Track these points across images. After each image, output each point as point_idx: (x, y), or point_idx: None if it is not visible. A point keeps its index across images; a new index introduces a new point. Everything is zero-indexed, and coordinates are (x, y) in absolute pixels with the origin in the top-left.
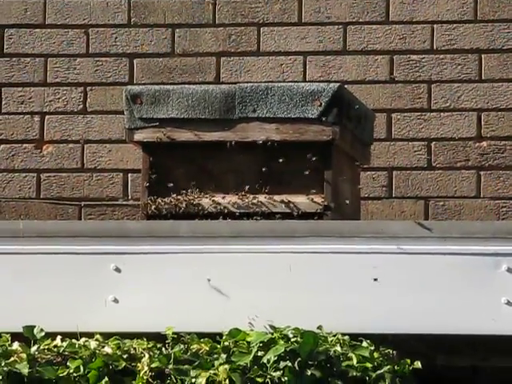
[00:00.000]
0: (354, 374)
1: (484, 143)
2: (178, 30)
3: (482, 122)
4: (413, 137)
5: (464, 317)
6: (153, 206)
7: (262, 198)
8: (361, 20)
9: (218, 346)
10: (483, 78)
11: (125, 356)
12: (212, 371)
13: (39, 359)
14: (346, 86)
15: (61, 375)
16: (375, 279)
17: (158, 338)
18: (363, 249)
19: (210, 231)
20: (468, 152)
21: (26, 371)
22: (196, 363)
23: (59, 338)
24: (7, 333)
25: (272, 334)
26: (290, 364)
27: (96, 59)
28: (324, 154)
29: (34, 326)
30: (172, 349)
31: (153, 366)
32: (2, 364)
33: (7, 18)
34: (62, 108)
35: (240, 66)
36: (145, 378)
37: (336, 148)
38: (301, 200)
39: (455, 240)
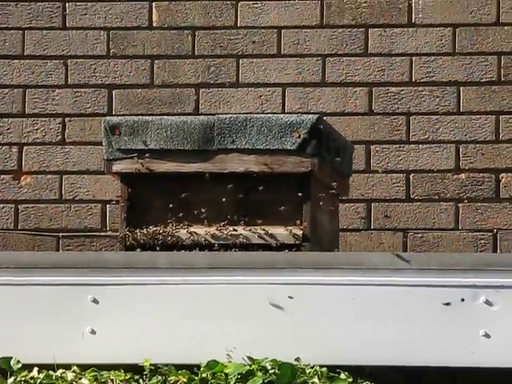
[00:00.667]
0: None
1: (462, 175)
2: (157, 61)
3: (461, 155)
4: (391, 169)
5: (442, 349)
6: (131, 237)
7: (240, 229)
8: (340, 52)
9: (196, 378)
10: (461, 110)
11: None
12: None
13: None
14: (324, 118)
15: None
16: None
17: (135, 369)
18: (342, 280)
19: (189, 263)
20: (446, 184)
21: None
22: None
23: (36, 369)
24: None
25: (250, 365)
26: None
27: (75, 90)
28: (303, 185)
29: (11, 358)
30: (149, 380)
31: None
32: None
33: None
34: (40, 139)
35: (219, 98)
36: None
37: (315, 179)
38: (279, 231)
39: (434, 272)
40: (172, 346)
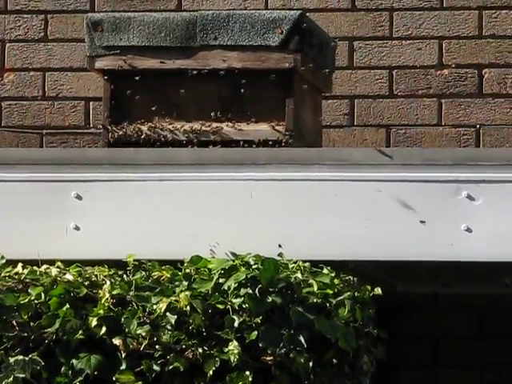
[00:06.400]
0: (315, 300)
1: (445, 71)
2: None
3: (444, 50)
4: (374, 65)
5: (424, 243)
6: (114, 134)
7: (223, 125)
8: None
9: (180, 273)
10: (444, 5)
11: (86, 283)
12: (173, 298)
13: (0, 286)
14: (307, 14)
15: (22, 302)
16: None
17: (119, 265)
18: (324, 176)
19: (171, 159)
20: (429, 80)
21: None
22: (157, 290)
23: (20, 265)
24: None
25: (233, 261)
26: (250, 291)
27: None
28: (285, 81)
29: None
30: (133, 276)
31: (114, 292)
32: None
33: None
34: (22, 36)
35: None
36: (106, 304)
37: (297, 76)
38: (262, 128)
39: (416, 167)
40: (155, 242)
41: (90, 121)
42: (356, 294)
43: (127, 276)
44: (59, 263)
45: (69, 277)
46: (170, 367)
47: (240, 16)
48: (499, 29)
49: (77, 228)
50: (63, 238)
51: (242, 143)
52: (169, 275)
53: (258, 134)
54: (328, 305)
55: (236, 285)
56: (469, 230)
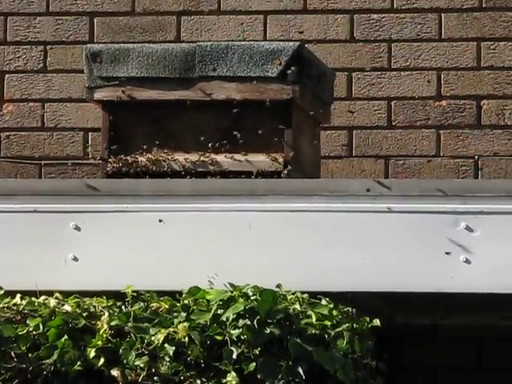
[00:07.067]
0: (313, 331)
1: (444, 102)
2: None
3: (442, 81)
4: (373, 96)
5: (423, 275)
6: (113, 165)
7: (222, 156)
8: None
9: (178, 304)
10: (443, 37)
11: (84, 314)
12: (171, 329)
13: None
14: (306, 45)
15: (20, 333)
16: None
17: (117, 296)
18: (323, 207)
19: (170, 190)
20: (428, 111)
21: None
22: (155, 321)
23: (19, 296)
24: None
25: (231, 292)
26: (249, 322)
27: (56, 18)
28: (284, 112)
29: None
30: (132, 307)
31: (112, 323)
32: None
33: None
34: (21, 67)
35: (200, 25)
36: (104, 335)
37: (296, 107)
38: (261, 159)
39: (414, 198)
40: (154, 273)
41: (88, 152)
42: (354, 325)
43: (125, 307)
44: (58, 294)
45: (67, 308)
46: None
47: (239, 47)
48: (497, 60)
49: (75, 259)
50: (62, 268)
51: (240, 174)
52: (167, 306)
53: (256, 165)
54: (326, 336)
55: (234, 316)
56: (467, 261)
